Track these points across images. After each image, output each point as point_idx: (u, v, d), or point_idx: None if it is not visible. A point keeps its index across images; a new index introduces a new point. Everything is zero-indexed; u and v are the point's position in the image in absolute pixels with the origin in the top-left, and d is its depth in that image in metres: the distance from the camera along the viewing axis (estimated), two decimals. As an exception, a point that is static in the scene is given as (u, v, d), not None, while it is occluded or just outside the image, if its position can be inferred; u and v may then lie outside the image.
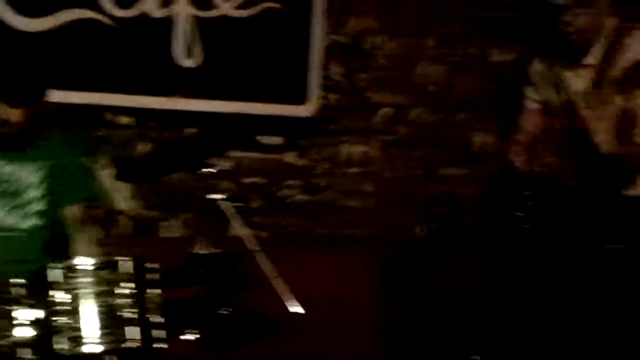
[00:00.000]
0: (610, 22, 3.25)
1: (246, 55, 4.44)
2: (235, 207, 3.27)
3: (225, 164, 4.46)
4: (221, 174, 4.38)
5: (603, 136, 3.04)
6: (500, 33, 4.99)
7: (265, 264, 3.07)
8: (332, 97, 4.71)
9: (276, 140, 4.61)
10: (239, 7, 4.40)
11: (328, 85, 4.68)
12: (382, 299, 4.57)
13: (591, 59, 3.24)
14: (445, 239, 4.92)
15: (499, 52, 5.05)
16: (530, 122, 3.54)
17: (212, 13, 4.36)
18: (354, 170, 4.80)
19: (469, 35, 5.00)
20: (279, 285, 3.02)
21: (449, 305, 4.53)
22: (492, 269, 4.15)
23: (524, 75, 3.86)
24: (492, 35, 5.01)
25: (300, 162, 4.67)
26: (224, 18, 4.38)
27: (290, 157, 4.65)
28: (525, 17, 4.80)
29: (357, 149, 4.79)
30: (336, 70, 4.73)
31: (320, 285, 4.24)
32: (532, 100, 3.60)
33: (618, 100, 3.12)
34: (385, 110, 4.84)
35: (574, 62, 3.32)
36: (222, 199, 3.23)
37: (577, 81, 3.19)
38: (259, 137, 4.55)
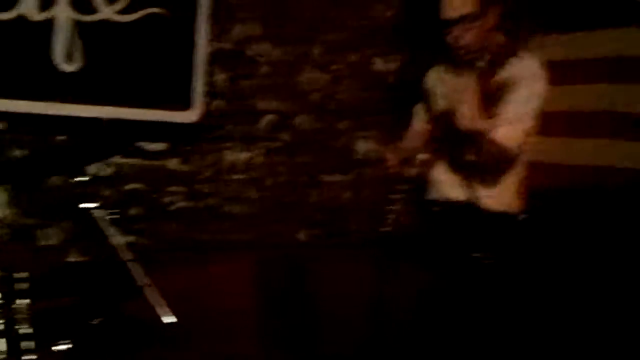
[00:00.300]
0: (497, 39, 3.30)
1: (129, 61, 4.39)
2: (110, 215, 3.22)
3: (106, 171, 4.44)
4: (102, 181, 4.38)
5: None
6: (383, 42, 5.08)
7: (138, 274, 3.05)
8: (216, 103, 4.70)
9: (159, 146, 4.58)
10: (121, 12, 4.34)
11: (212, 91, 4.67)
12: (265, 304, 4.59)
13: (476, 70, 3.28)
14: (329, 245, 4.98)
15: (382, 61, 5.15)
16: (417, 137, 3.55)
17: (94, 17, 4.30)
18: (237, 176, 4.80)
19: (352, 44, 5.07)
20: (152, 295, 3.00)
21: (333, 309, 4.58)
22: (374, 273, 4.22)
23: (406, 84, 3.92)
24: (375, 44, 5.09)
25: (184, 168, 4.65)
26: (106, 22, 4.32)
27: (173, 164, 4.63)
28: (410, 28, 4.90)
29: (240, 156, 4.81)
30: (220, 76, 4.72)
31: (203, 292, 4.25)
32: (420, 116, 3.61)
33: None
34: (269, 117, 4.86)
35: (461, 71, 3.34)
36: (96, 208, 3.18)
37: (461, 92, 3.21)
38: (141, 143, 4.51)
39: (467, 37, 3.19)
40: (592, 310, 4.04)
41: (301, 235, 4.99)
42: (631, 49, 4.21)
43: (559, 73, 4.39)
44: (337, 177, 5.08)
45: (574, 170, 4.44)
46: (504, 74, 3.16)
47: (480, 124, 3.08)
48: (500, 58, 3.16)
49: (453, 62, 3.33)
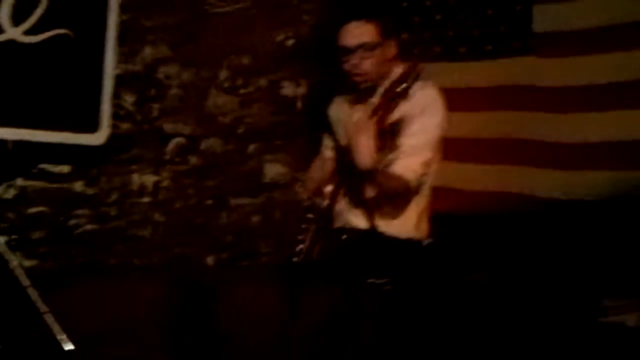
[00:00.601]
0: (396, 68, 3.23)
1: (36, 82, 4.30)
2: (10, 240, 3.19)
3: (10, 193, 4.36)
4: (5, 204, 4.30)
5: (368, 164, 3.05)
6: (291, 67, 5.13)
7: (37, 300, 3.01)
8: (124, 125, 4.68)
9: (65, 168, 4.52)
10: (28, 33, 4.27)
11: (120, 114, 4.65)
12: (173, 328, 4.56)
13: (374, 100, 3.18)
14: (236, 268, 4.99)
15: (291, 85, 5.21)
16: (324, 165, 3.52)
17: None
18: (144, 199, 4.78)
19: (261, 68, 5.12)
20: (51, 322, 2.97)
21: (240, 332, 4.58)
22: (281, 298, 4.24)
23: (315, 108, 3.92)
24: (283, 68, 5.15)
25: (90, 191, 4.60)
26: (11, 43, 4.25)
27: (79, 186, 4.57)
28: (317, 55, 4.96)
29: (148, 179, 4.78)
30: (129, 98, 4.70)
31: (108, 316, 4.21)
32: (327, 145, 3.57)
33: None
34: (177, 140, 4.86)
35: (359, 101, 3.28)
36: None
37: (360, 128, 3.05)
38: (46, 165, 4.45)
39: (364, 65, 3.15)
40: (493, 337, 4.13)
41: (209, 259, 4.99)
42: (530, 77, 4.32)
43: (461, 100, 4.54)
44: (245, 201, 5.11)
45: (481, 196, 4.52)
46: (403, 106, 3.12)
47: (378, 162, 3.05)
48: (399, 89, 3.10)
49: (352, 91, 3.32)
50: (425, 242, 3.41)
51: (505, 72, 4.42)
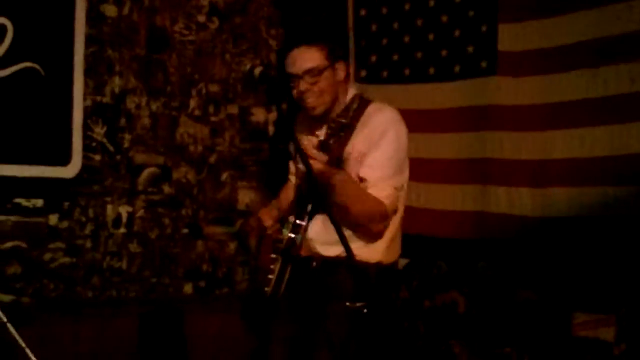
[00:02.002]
0: (349, 92, 3.19)
1: (5, 116, 4.31)
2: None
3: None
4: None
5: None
6: (261, 93, 5.16)
7: (14, 336, 2.99)
8: (96, 157, 4.68)
9: (38, 202, 4.49)
10: (-4, 67, 4.28)
11: (91, 145, 4.65)
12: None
13: (323, 130, 3.13)
14: (213, 297, 4.99)
15: (262, 112, 5.25)
16: (289, 192, 3.49)
17: (-31, 71, 4.22)
18: (120, 230, 4.77)
19: (230, 96, 5.15)
20: (30, 357, 2.96)
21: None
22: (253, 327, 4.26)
23: (287, 133, 3.90)
24: (253, 95, 5.18)
25: (64, 224, 4.58)
26: (-20, 77, 4.24)
27: (53, 220, 4.55)
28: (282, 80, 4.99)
29: (122, 209, 4.78)
30: (99, 130, 4.70)
31: (87, 349, 4.19)
32: (292, 172, 3.53)
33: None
34: (149, 170, 4.86)
35: (318, 126, 3.19)
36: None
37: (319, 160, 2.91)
38: (19, 200, 4.42)
39: (313, 91, 3.06)
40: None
41: (187, 288, 4.98)
42: (498, 97, 4.34)
43: (432, 121, 4.57)
44: (221, 229, 5.13)
45: (451, 215, 4.53)
46: (360, 133, 3.07)
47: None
48: (344, 121, 3.00)
49: (311, 118, 3.21)
50: (398, 263, 3.38)
51: (473, 92, 4.43)
